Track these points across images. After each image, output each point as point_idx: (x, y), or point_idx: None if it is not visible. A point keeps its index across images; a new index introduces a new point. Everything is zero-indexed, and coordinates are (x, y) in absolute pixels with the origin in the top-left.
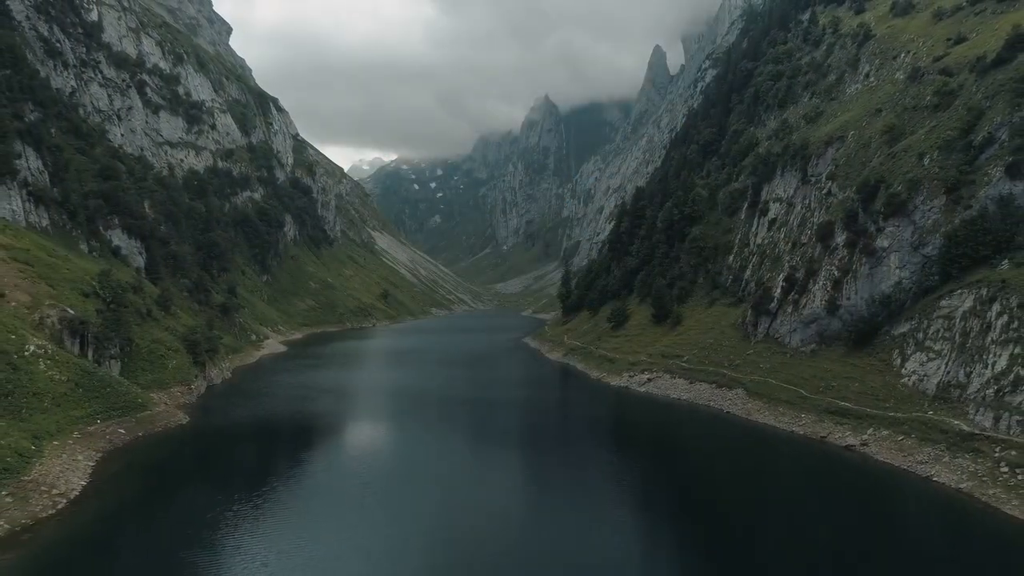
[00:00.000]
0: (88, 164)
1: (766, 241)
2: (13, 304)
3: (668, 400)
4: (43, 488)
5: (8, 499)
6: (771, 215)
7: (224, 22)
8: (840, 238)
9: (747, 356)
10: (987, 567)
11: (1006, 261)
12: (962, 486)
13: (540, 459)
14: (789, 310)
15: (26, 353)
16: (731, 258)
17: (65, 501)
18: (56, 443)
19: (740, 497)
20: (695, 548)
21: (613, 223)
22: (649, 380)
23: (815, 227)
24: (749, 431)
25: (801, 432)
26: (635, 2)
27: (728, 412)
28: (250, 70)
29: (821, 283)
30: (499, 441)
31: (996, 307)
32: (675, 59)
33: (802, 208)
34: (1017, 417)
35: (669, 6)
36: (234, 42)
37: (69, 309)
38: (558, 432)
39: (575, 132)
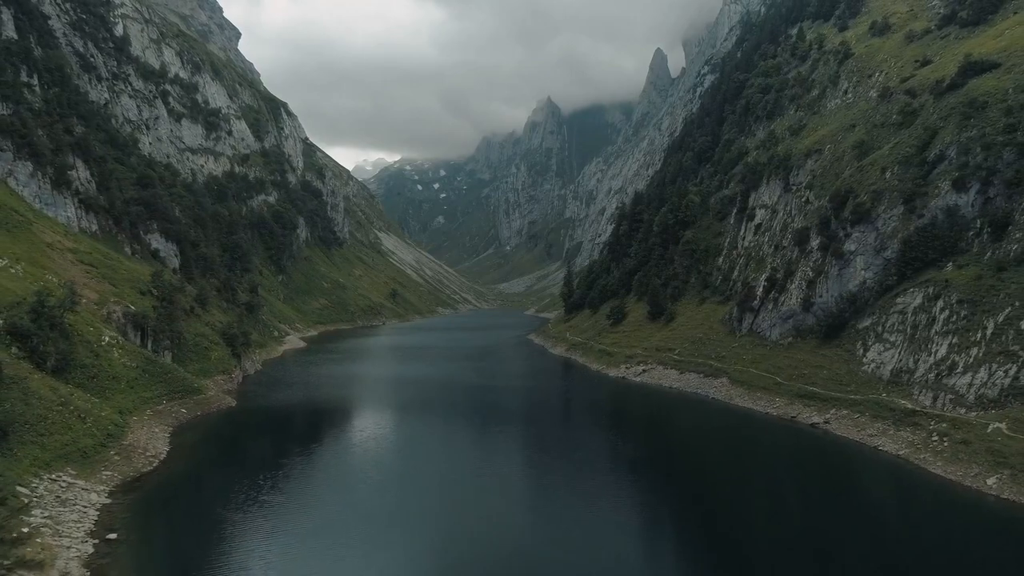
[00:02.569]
0: (126, 173)
1: (752, 244)
2: (85, 301)
3: (660, 388)
4: (139, 451)
5: (116, 457)
6: (757, 220)
7: (233, 27)
8: (815, 242)
9: (732, 348)
10: (911, 508)
11: (950, 264)
12: (901, 452)
13: (545, 436)
14: (770, 307)
15: (103, 342)
16: (721, 260)
17: (157, 461)
18: (135, 418)
19: (719, 464)
20: (682, 507)
21: (613, 226)
22: (644, 371)
23: (794, 232)
24: (730, 413)
25: (775, 413)
26: (637, 6)
27: (713, 398)
28: (258, 74)
29: (797, 283)
30: (508, 422)
31: (940, 303)
32: (676, 62)
33: (784, 214)
34: (951, 396)
35: (670, 10)
36: (241, 44)
37: (131, 305)
38: (561, 415)
39: (577, 134)
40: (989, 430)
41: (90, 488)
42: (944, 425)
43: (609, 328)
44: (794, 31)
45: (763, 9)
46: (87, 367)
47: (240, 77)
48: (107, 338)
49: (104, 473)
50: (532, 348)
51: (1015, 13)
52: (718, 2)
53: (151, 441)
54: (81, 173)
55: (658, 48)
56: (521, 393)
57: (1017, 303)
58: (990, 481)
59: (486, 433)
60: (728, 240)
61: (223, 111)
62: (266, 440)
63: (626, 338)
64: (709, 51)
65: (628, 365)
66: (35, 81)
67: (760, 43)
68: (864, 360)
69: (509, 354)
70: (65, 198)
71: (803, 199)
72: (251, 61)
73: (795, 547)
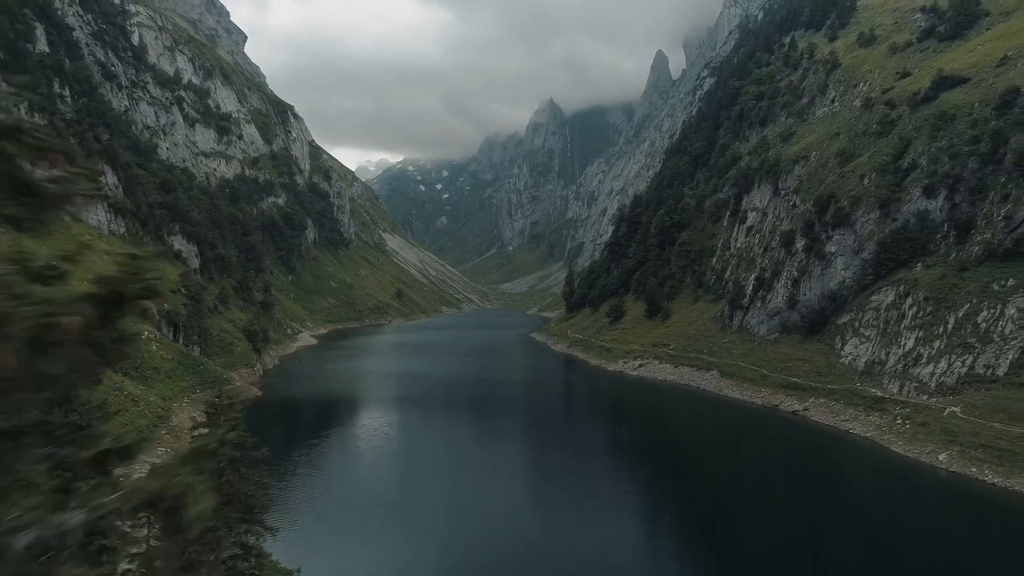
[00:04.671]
0: (149, 177)
1: (744, 246)
2: None
3: (656, 381)
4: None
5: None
6: (749, 223)
7: (240, 31)
8: (800, 244)
9: (723, 344)
10: (873, 480)
11: (919, 264)
12: (868, 434)
13: (546, 423)
14: (759, 305)
15: (143, 337)
16: (714, 260)
17: None
18: (176, 404)
19: (707, 446)
20: (674, 484)
21: (614, 227)
22: (641, 365)
23: (781, 234)
24: (719, 403)
25: (760, 403)
26: (638, 8)
27: (704, 389)
28: (264, 77)
29: (784, 282)
30: (512, 413)
31: (909, 300)
32: (677, 63)
33: (773, 217)
34: (915, 384)
35: (671, 11)
36: (246, 46)
37: (164, 303)
38: (562, 405)
39: (579, 135)
40: (945, 413)
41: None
42: (907, 410)
43: (608, 326)
44: (787, 40)
45: (761, 14)
46: (132, 358)
47: (248, 81)
48: (146, 333)
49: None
50: (535, 345)
51: (988, 29)
52: (718, 5)
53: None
54: (109, 179)
55: (659, 50)
56: (524, 386)
57: (975, 300)
58: (942, 457)
59: (491, 421)
60: (721, 241)
61: (233, 115)
62: (294, 425)
63: (624, 335)
64: (709, 54)
65: (626, 360)
66: (66, 92)
67: (755, 51)
68: (842, 353)
69: (512, 351)
70: (96, 203)
71: (791, 203)
72: (257, 64)
73: (775, 513)
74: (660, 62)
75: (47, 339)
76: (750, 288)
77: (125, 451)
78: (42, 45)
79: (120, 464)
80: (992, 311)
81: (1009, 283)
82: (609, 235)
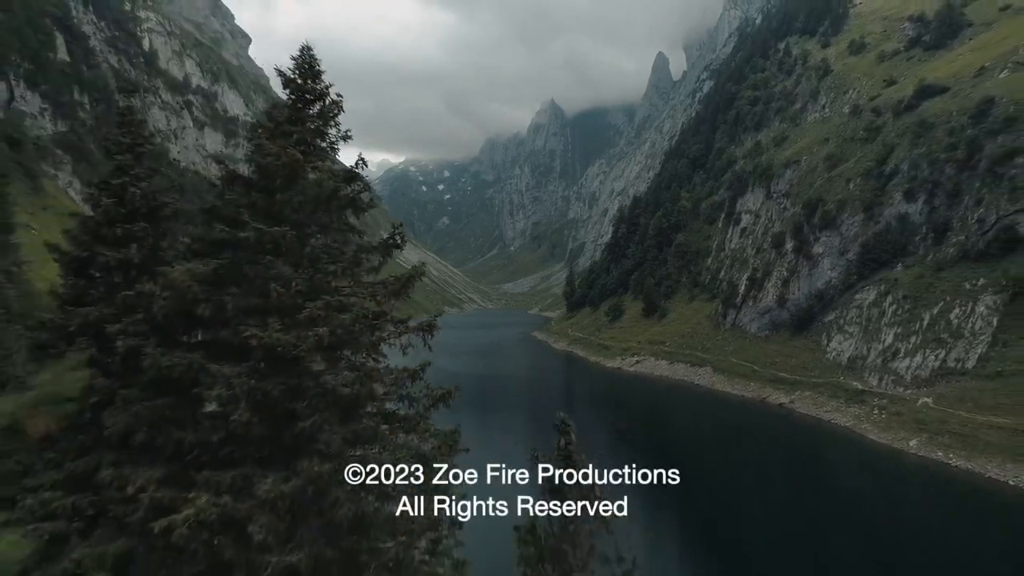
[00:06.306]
0: (164, 180)
1: (737, 247)
2: None
3: (651, 377)
4: None
5: None
6: (742, 225)
7: (245, 34)
8: (789, 245)
9: (716, 341)
10: (848, 463)
11: (899, 264)
12: (848, 424)
13: (546, 419)
14: (751, 304)
15: None
16: (709, 261)
17: None
18: None
19: (701, 437)
20: (669, 473)
21: (613, 228)
22: (638, 362)
23: (772, 236)
24: (711, 396)
25: (749, 396)
26: (638, 8)
27: (697, 384)
28: (268, 79)
29: (774, 281)
30: (513, 408)
31: (889, 299)
32: (677, 63)
33: (765, 219)
34: (892, 377)
35: (671, 12)
36: (250, 48)
37: None
38: (560, 399)
39: (580, 135)
40: (918, 404)
41: None
42: (884, 401)
43: (608, 324)
44: (782, 45)
45: (760, 18)
46: None
47: (254, 84)
48: None
49: None
50: (536, 343)
51: (970, 39)
52: (718, 7)
53: None
54: None
55: (660, 52)
56: (525, 383)
57: (949, 298)
58: (911, 443)
59: (491, 418)
60: (716, 243)
61: (240, 118)
62: None
63: (623, 333)
64: (709, 56)
65: (623, 357)
66: (86, 99)
67: (752, 55)
68: (827, 349)
69: (514, 349)
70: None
71: (782, 206)
72: (261, 67)
73: (764, 498)
74: (661, 63)
75: None
76: (743, 288)
77: None
78: (62, 54)
79: None
80: (964, 308)
81: (980, 282)
82: (609, 236)
